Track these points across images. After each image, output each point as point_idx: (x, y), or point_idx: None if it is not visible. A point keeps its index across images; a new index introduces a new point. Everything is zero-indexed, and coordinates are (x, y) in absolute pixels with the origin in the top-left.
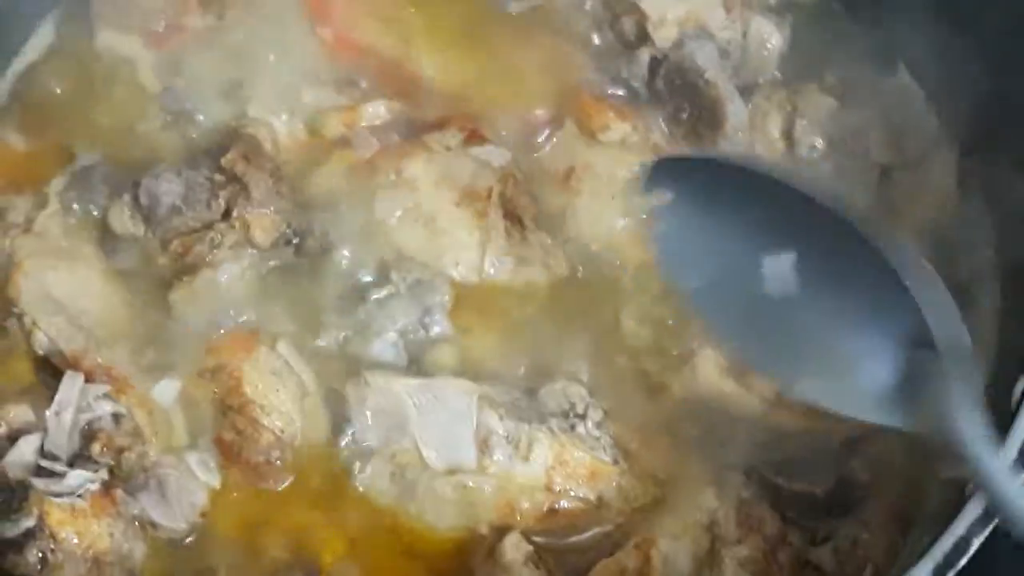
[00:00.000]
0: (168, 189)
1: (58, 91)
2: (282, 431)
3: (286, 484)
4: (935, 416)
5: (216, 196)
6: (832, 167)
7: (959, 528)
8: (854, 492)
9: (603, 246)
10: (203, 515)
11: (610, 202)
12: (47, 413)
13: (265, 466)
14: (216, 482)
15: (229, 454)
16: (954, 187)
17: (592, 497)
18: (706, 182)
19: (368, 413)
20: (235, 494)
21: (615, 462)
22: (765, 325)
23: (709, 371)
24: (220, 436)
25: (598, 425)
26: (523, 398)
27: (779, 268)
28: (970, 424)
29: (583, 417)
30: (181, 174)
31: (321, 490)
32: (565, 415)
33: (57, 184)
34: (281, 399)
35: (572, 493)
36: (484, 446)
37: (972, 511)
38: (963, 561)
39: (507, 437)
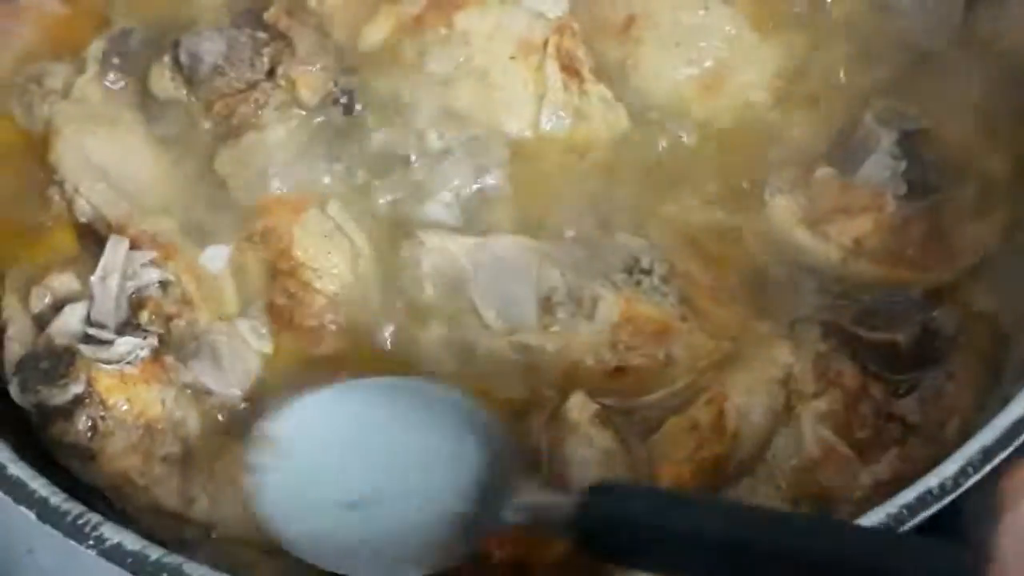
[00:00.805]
0: (209, 48)
1: None
2: (335, 294)
3: (338, 349)
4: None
5: (260, 54)
6: (910, 1)
7: None
8: (938, 342)
9: (668, 98)
10: (257, 382)
11: (674, 50)
12: (92, 279)
13: (319, 330)
14: (268, 348)
15: (281, 319)
16: None
17: (660, 355)
18: None
19: (424, 274)
20: (288, 361)
21: (683, 318)
22: None
23: (782, 220)
24: (272, 301)
25: (664, 280)
26: (585, 255)
27: None
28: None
29: (649, 272)
30: (223, 32)
31: (375, 356)
32: (629, 271)
33: (95, 48)
34: (333, 262)
35: (639, 351)
36: (546, 304)
37: None
38: None
39: (569, 294)
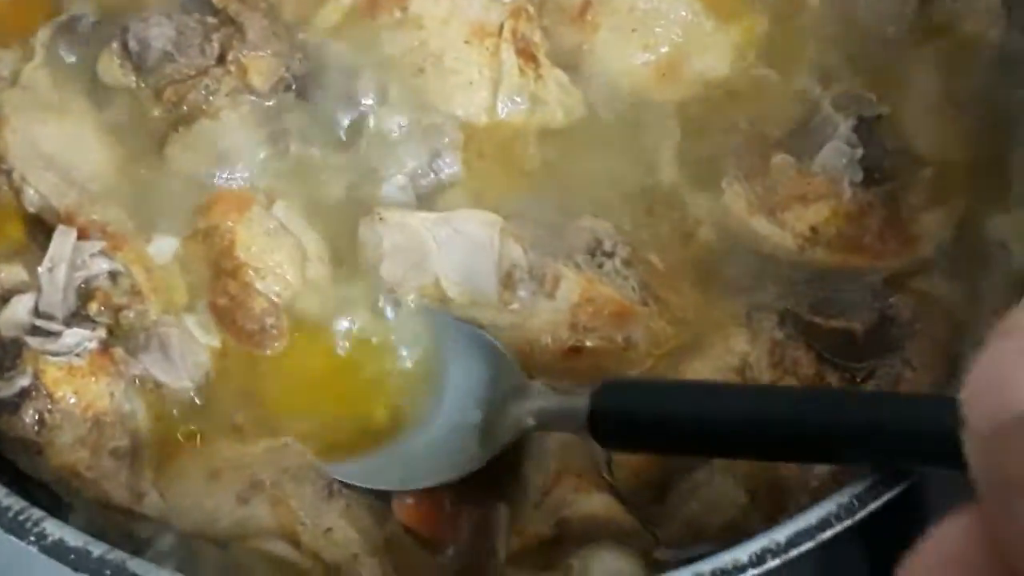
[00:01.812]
0: (158, 33)
1: None
2: (278, 295)
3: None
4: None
5: (210, 39)
6: None
7: None
8: (895, 330)
9: (624, 83)
10: (207, 374)
11: (631, 35)
12: (39, 270)
13: (260, 333)
14: (216, 342)
15: (223, 320)
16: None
17: (619, 338)
18: None
19: (385, 252)
20: (239, 355)
21: (644, 303)
22: None
23: (739, 208)
24: (214, 302)
25: (626, 263)
26: (547, 234)
27: None
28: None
29: (611, 255)
30: (172, 17)
31: (333, 346)
32: (592, 252)
33: (43, 35)
34: (277, 260)
35: (598, 332)
36: (507, 280)
37: None
38: None
39: (531, 271)
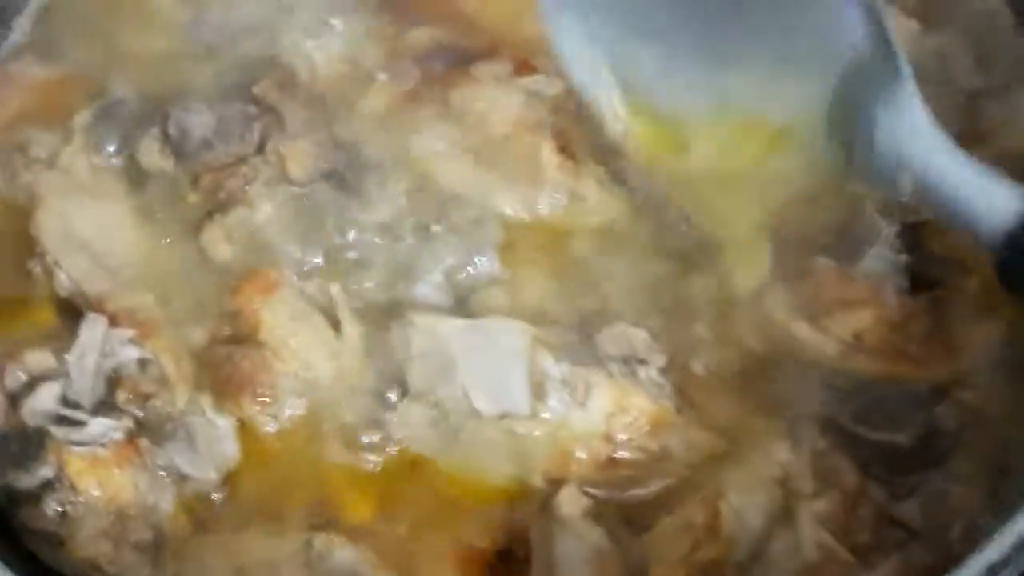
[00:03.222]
0: (199, 121)
1: (84, 23)
2: (297, 377)
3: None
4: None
5: (250, 128)
6: None
7: None
8: (941, 442)
9: (665, 180)
10: (232, 465)
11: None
12: (69, 358)
13: (272, 406)
14: (226, 421)
15: (224, 391)
16: None
17: (654, 447)
18: None
19: (414, 356)
20: (262, 444)
21: (679, 411)
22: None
23: (780, 312)
24: (219, 374)
25: (661, 372)
26: (579, 341)
27: None
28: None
29: (645, 363)
30: (212, 105)
31: (355, 440)
32: (625, 360)
33: (82, 118)
34: (301, 344)
35: (633, 443)
36: (538, 390)
37: None
38: None
39: (563, 381)
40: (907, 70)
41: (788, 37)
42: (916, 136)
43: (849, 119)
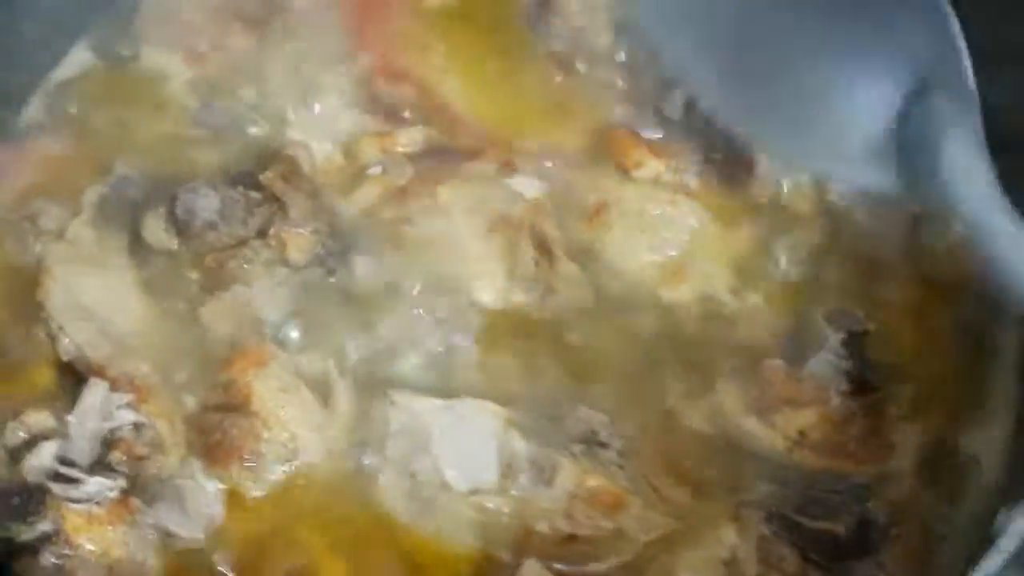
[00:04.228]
0: (205, 204)
1: (96, 103)
2: (284, 446)
3: (297, 499)
4: (932, 168)
5: (252, 213)
6: (864, 211)
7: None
8: (873, 534)
9: (632, 280)
10: (218, 526)
11: (640, 237)
12: (70, 419)
13: (258, 471)
14: (214, 485)
15: (212, 456)
16: None
17: (611, 526)
18: None
19: (392, 431)
20: (247, 507)
21: (635, 492)
22: (749, 66)
23: (732, 407)
24: (208, 440)
25: (620, 454)
26: (548, 423)
27: None
28: (972, 175)
29: (605, 446)
30: (218, 189)
31: (335, 507)
32: (588, 442)
33: (92, 193)
34: (289, 415)
35: (592, 521)
36: (508, 469)
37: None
38: None
39: (531, 461)
40: (976, 105)
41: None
42: (972, 179)
43: (915, 143)
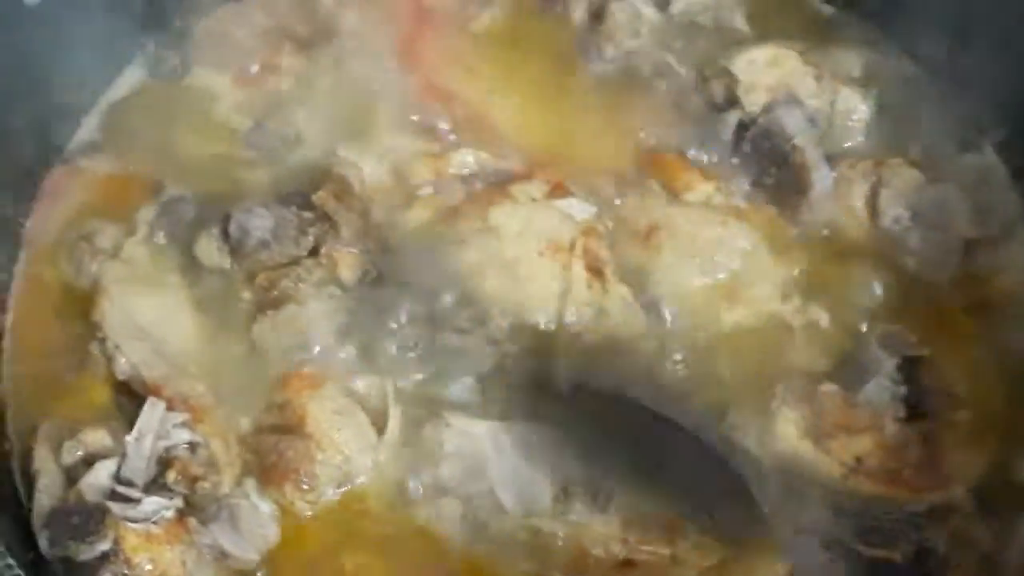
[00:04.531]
0: (259, 224)
1: (148, 124)
2: (338, 468)
3: (350, 521)
4: None
5: (305, 233)
6: (916, 238)
7: None
8: (932, 562)
9: (684, 303)
10: (272, 545)
11: (691, 259)
12: (127, 439)
13: (304, 493)
14: (269, 506)
15: (271, 476)
16: None
17: (667, 552)
18: None
19: (447, 454)
20: (301, 528)
21: (691, 518)
22: None
23: (788, 432)
24: (265, 461)
25: None
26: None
27: None
28: None
29: None
30: (272, 209)
31: (388, 529)
32: None
33: (146, 213)
34: (344, 437)
35: (647, 547)
36: (563, 494)
37: None
38: None
39: (586, 485)
40: None
41: None
42: None
43: None
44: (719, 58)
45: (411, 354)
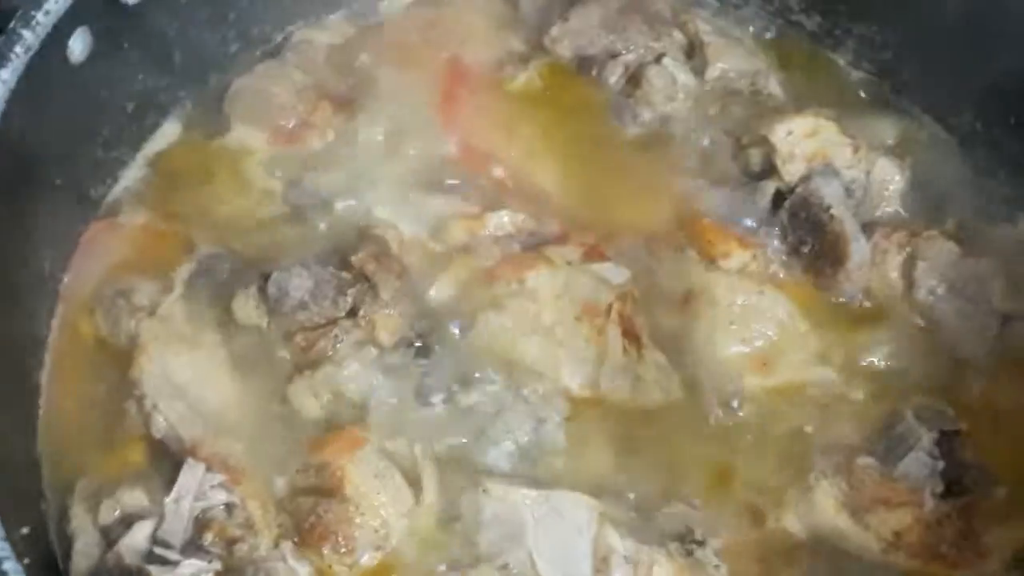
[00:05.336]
0: (298, 284)
1: (185, 179)
2: (375, 531)
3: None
4: None
5: (344, 293)
6: (952, 311)
7: None
8: None
9: (721, 372)
10: None
11: (728, 328)
12: (166, 500)
13: (342, 556)
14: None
15: (309, 539)
16: None
17: None
18: None
19: (485, 521)
20: None
21: None
22: None
23: (826, 506)
24: (303, 523)
25: (717, 554)
26: (639, 518)
27: None
28: None
29: (701, 544)
30: (311, 270)
31: None
32: (682, 539)
33: (184, 270)
34: (382, 501)
35: None
36: (603, 564)
37: None
38: None
39: (627, 557)
40: None
41: None
42: None
43: None
44: (757, 126)
45: (447, 418)
